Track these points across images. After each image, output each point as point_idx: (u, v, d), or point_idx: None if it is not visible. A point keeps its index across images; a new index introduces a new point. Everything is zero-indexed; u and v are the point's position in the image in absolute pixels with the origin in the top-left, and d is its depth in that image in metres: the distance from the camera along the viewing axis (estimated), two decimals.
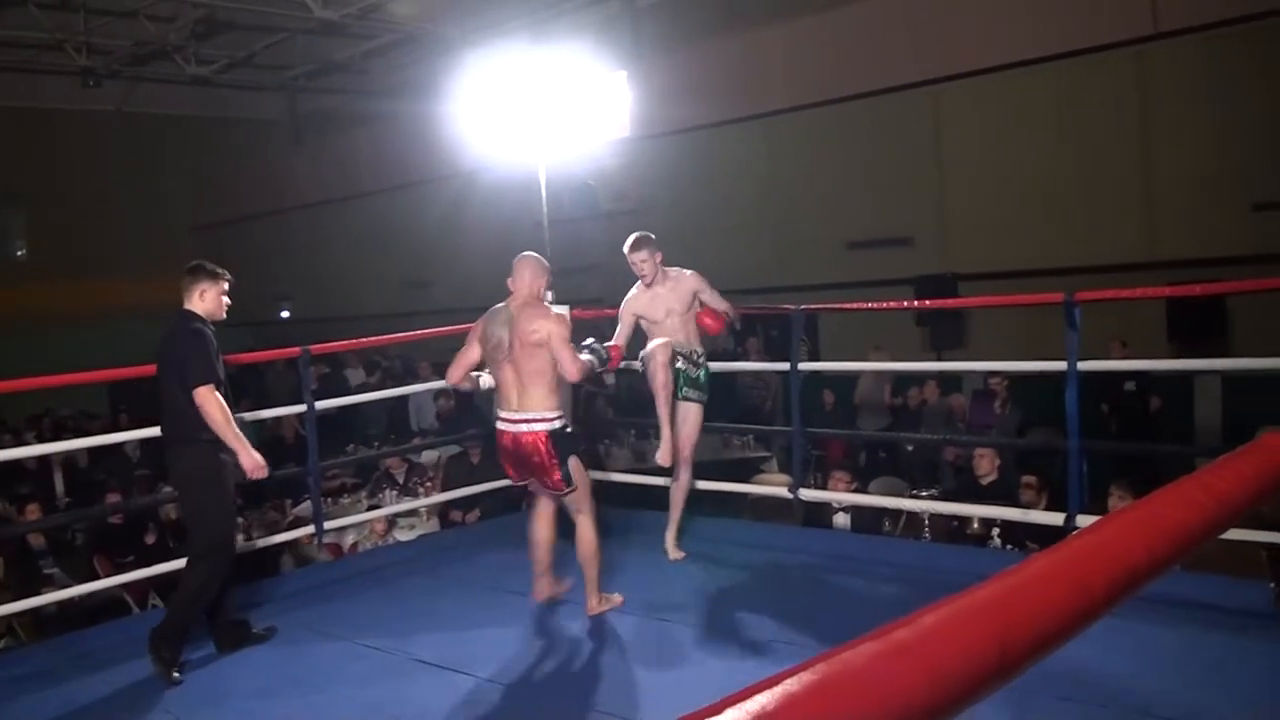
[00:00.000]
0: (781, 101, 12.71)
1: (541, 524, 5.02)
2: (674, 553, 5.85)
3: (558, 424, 4.72)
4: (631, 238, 5.80)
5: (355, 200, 18.36)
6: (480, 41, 14.86)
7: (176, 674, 4.57)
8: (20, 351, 14.57)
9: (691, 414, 5.79)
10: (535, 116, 7.09)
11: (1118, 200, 10.54)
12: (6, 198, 20.67)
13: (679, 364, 5.68)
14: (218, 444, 4.68)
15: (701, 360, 5.82)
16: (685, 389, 5.75)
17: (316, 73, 18.73)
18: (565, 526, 5.05)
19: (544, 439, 4.68)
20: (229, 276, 4.88)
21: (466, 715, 4.02)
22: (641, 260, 5.72)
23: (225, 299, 4.88)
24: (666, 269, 5.79)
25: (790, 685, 0.71)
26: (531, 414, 4.69)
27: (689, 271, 5.81)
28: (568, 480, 4.73)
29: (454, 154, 11.00)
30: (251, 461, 4.70)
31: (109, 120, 19.85)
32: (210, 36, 16.77)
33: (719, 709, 0.68)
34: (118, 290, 19.71)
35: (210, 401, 4.59)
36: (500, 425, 4.80)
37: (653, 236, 5.83)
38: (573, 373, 4.68)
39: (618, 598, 5.08)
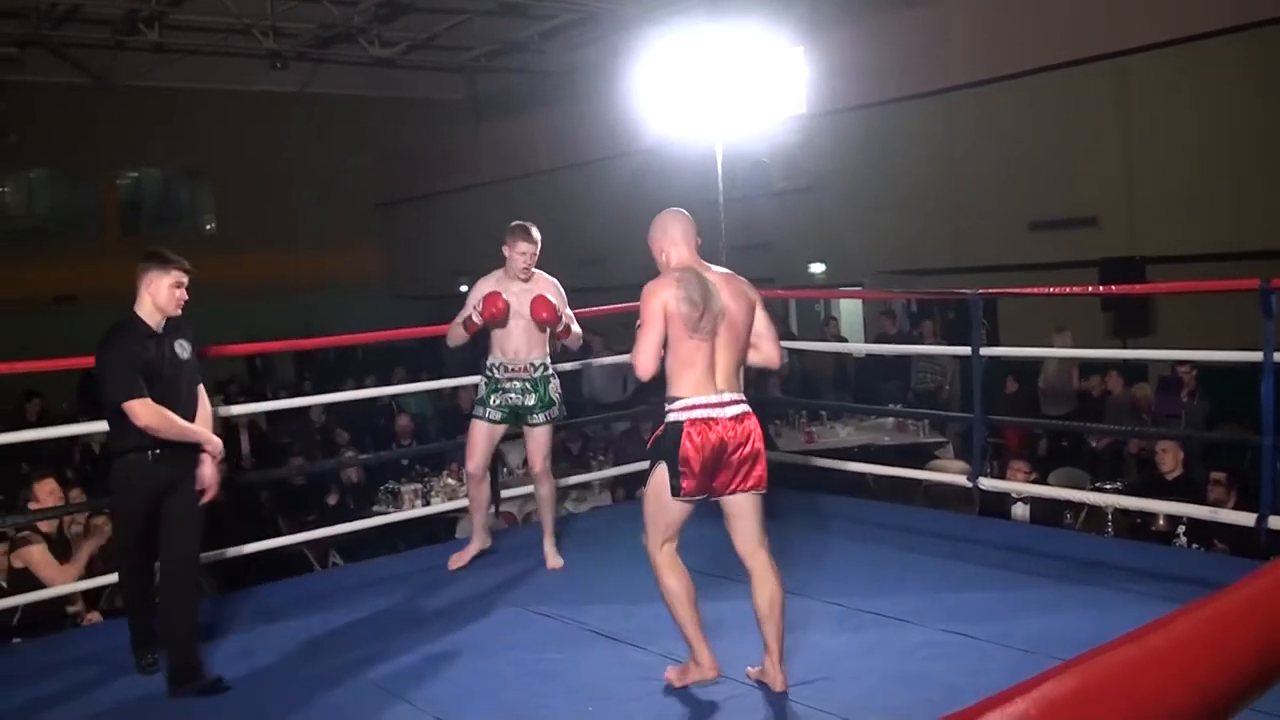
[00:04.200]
0: (962, 76, 12.36)
1: (680, 571, 3.90)
2: (552, 560, 5.59)
3: None
4: (519, 225, 5.28)
5: (533, 178, 18.60)
6: (658, 19, 14.89)
7: (217, 677, 4.24)
8: (208, 321, 15.28)
9: (538, 435, 5.45)
10: (712, 93, 7.07)
11: None
12: (196, 175, 21.84)
13: (509, 393, 5.35)
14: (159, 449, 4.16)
15: (542, 374, 5.37)
16: (510, 418, 5.40)
17: (495, 53, 19.02)
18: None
19: (757, 423, 3.80)
20: (185, 265, 4.26)
21: (637, 688, 4.04)
22: (524, 253, 5.27)
23: (179, 292, 4.21)
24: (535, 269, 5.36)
25: (1050, 689, 0.68)
26: (739, 395, 3.77)
27: (552, 279, 5.40)
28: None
29: (631, 132, 11.06)
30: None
31: (293, 101, 20.58)
32: (392, 19, 17.18)
33: (980, 711, 0.66)
34: (302, 265, 20.53)
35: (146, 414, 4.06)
36: (700, 414, 3.65)
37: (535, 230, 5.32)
38: (777, 356, 3.94)
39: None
